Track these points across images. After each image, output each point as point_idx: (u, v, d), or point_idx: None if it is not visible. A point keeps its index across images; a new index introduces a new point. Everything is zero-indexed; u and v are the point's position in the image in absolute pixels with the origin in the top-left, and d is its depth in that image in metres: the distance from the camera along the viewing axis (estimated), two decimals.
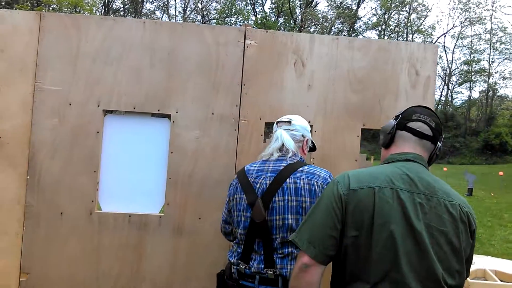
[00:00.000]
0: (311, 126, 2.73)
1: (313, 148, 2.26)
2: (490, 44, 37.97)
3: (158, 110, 2.63)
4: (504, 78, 39.04)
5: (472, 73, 38.71)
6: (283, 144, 2.03)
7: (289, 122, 2.10)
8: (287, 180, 1.92)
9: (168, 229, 2.58)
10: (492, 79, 38.92)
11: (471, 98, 41.63)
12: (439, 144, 1.64)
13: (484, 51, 38.91)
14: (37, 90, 2.55)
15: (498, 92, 40.24)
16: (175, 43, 2.66)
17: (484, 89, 39.21)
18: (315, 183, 1.92)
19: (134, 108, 2.62)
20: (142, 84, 2.62)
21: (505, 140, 27.22)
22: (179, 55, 2.66)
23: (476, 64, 38.88)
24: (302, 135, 2.11)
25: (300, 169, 1.96)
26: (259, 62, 2.72)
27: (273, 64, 2.73)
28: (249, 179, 1.99)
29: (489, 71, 38.25)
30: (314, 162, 2.69)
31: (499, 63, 44.52)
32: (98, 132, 2.58)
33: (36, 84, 2.56)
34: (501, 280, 2.59)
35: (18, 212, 2.49)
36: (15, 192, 2.50)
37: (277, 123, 2.14)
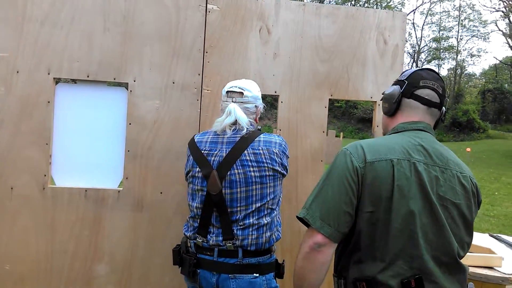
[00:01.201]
0: (277, 96, 2.64)
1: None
2: (459, 21, 38.15)
3: (114, 79, 2.47)
4: (472, 56, 39.52)
5: (441, 50, 39.00)
6: (236, 120, 1.93)
7: (241, 93, 1.98)
8: (245, 151, 1.85)
9: (127, 204, 2.47)
10: (461, 56, 39.37)
11: (440, 75, 42.05)
12: (444, 109, 1.59)
13: (453, 28, 39.18)
14: None
15: (466, 70, 40.86)
16: (131, 6, 2.47)
17: (452, 66, 39.71)
18: (273, 150, 1.88)
19: (88, 76, 2.44)
20: (96, 50, 2.44)
21: (473, 117, 27.74)
22: (135, 19, 2.48)
23: (444, 41, 39.14)
24: (255, 106, 2.02)
25: (257, 139, 1.90)
26: (222, 28, 2.57)
27: (237, 30, 2.59)
28: (202, 151, 1.91)
29: (457, 48, 38.61)
30: (281, 133, 2.60)
31: (467, 40, 44.91)
32: (49, 102, 2.41)
33: None
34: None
35: None
36: None
37: (227, 93, 2.00)
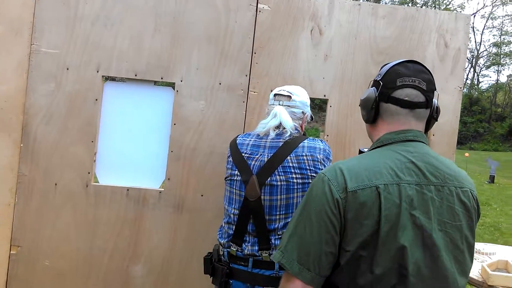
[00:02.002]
0: (326, 100, 2.51)
1: (311, 118, 2.03)
2: None
3: (161, 78, 2.44)
4: None
5: (501, 55, 37.13)
6: (280, 123, 1.82)
7: (289, 97, 1.88)
8: (288, 157, 1.74)
9: (168, 205, 2.41)
10: None
11: (498, 82, 40.14)
12: (435, 104, 1.32)
13: None
14: (33, 52, 2.38)
15: None
16: (181, 6, 2.44)
17: None
18: (318, 156, 1.76)
19: (136, 75, 2.43)
20: (145, 49, 2.43)
21: None
22: (185, 20, 2.44)
23: (506, 46, 37.26)
24: (302, 112, 1.92)
25: (301, 144, 1.78)
26: (272, 28, 2.48)
27: (288, 31, 2.49)
28: (243, 154, 1.81)
29: None
30: (328, 139, 2.47)
31: None
32: (96, 100, 2.41)
33: (32, 47, 2.39)
34: None
35: (10, 180, 2.36)
36: (8, 160, 2.36)
37: (275, 96, 1.92)
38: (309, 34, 2.50)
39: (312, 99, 2.18)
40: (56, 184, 2.38)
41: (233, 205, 1.81)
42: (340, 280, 1.17)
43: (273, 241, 1.72)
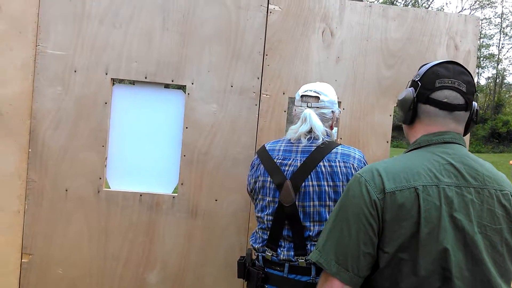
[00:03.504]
0: (339, 102, 2.51)
1: None
2: (500, 29, 36.74)
3: (172, 81, 2.39)
4: None
5: (481, 58, 37.70)
6: (311, 128, 1.78)
7: (317, 98, 1.83)
8: (321, 162, 1.72)
9: (181, 211, 2.38)
10: (501, 65, 37.91)
11: (479, 84, 40.75)
12: (475, 107, 1.29)
13: (494, 36, 37.75)
14: (39, 54, 2.30)
15: (506, 79, 39.32)
16: (191, 4, 2.38)
17: (492, 75, 38.30)
18: (351, 165, 1.73)
19: (146, 78, 2.37)
20: (154, 50, 2.37)
21: None
22: (195, 18, 2.39)
23: (485, 49, 37.79)
24: (332, 111, 1.87)
25: (334, 150, 1.75)
26: (283, 29, 2.45)
27: (299, 32, 2.47)
28: (275, 160, 1.78)
29: (498, 56, 37.21)
30: (341, 142, 2.47)
31: (509, 48, 43.18)
32: (106, 103, 2.35)
33: (38, 48, 2.30)
34: None
35: (19, 188, 2.28)
36: (16, 166, 2.28)
37: (302, 97, 1.87)
38: (320, 35, 2.48)
39: None
40: (66, 190, 2.32)
41: (267, 211, 1.78)
42: (381, 284, 1.16)
43: (309, 247, 1.70)
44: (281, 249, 1.73)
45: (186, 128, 2.39)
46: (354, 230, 1.15)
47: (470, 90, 1.26)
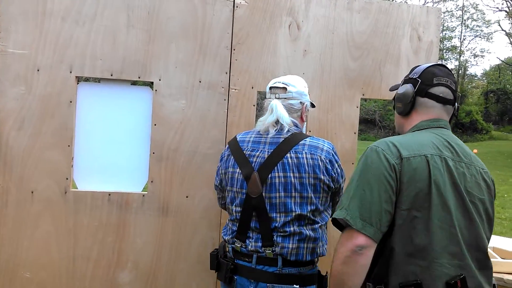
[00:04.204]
0: None
1: (312, 105, 2.01)
2: (462, 21, 37.76)
3: (139, 77, 2.36)
4: (475, 56, 39.07)
5: (444, 50, 38.70)
6: (278, 119, 1.80)
7: (284, 88, 1.85)
8: (288, 154, 1.73)
9: (152, 209, 2.35)
10: (463, 57, 38.97)
11: (451, 70, 41.60)
12: (457, 104, 1.57)
13: (456, 28, 38.78)
14: None
15: (468, 70, 40.41)
16: (156, 0, 2.36)
17: (455, 67, 39.34)
18: (319, 157, 1.74)
19: (112, 75, 2.33)
20: (119, 47, 2.33)
21: (476, 118, 27.27)
22: (160, 14, 2.37)
23: (447, 41, 38.77)
24: (300, 102, 1.88)
25: (302, 142, 1.76)
26: (250, 24, 2.46)
27: (266, 26, 2.48)
28: (244, 151, 1.80)
29: (460, 48, 38.25)
30: (310, 134, 2.49)
31: (470, 40, 44.37)
32: (71, 102, 2.30)
33: None
34: (501, 258, 2.50)
35: None
36: None
37: (270, 89, 1.89)
38: (287, 29, 2.50)
39: None
40: (32, 192, 2.26)
41: (235, 202, 1.79)
42: (397, 241, 1.34)
43: (275, 237, 1.72)
44: (250, 240, 1.75)
45: (155, 125, 2.36)
46: (376, 190, 1.32)
47: (456, 88, 1.54)
